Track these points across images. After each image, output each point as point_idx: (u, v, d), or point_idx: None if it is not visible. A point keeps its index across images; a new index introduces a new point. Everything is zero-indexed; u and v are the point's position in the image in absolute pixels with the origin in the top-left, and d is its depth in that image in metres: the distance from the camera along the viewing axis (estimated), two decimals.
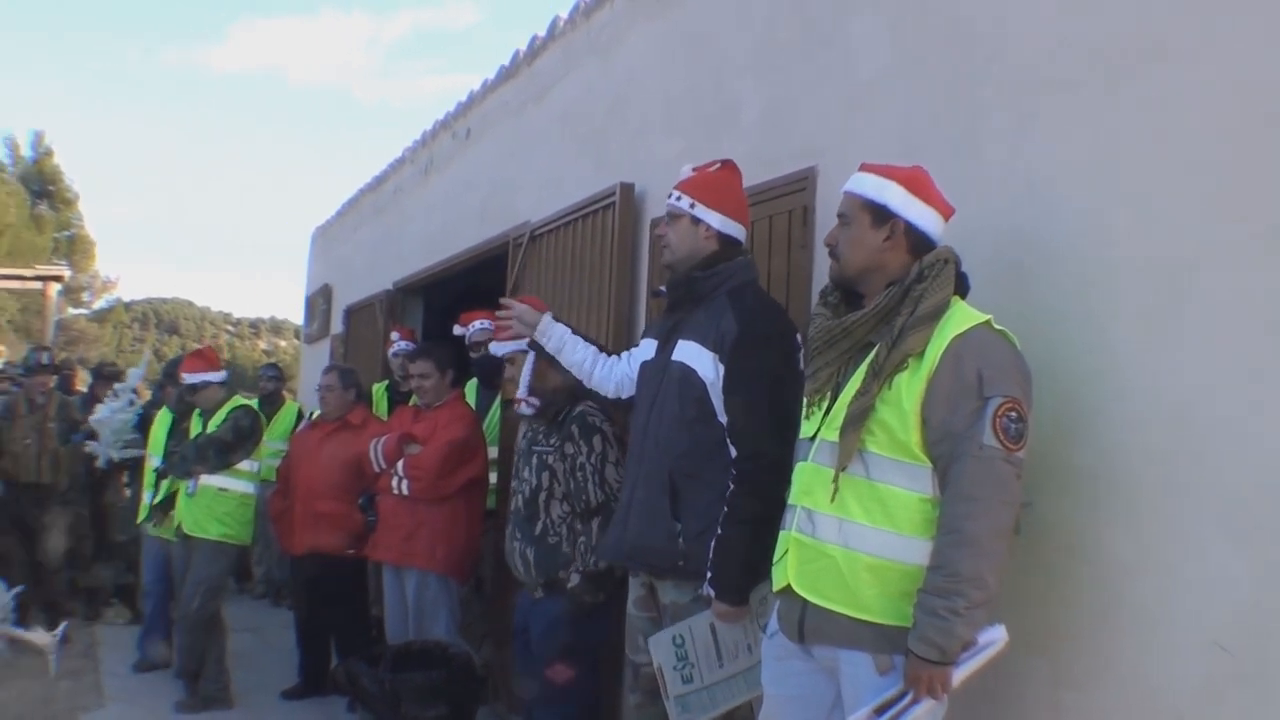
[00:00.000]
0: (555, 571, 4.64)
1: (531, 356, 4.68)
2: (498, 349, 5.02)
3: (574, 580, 4.55)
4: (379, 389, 8.30)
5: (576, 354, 4.42)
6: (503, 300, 4.61)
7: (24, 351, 10.68)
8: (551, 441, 4.69)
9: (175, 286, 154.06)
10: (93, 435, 8.42)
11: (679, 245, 3.92)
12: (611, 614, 4.67)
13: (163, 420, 7.56)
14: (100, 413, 8.14)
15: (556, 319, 4.47)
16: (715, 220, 3.87)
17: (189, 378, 7.08)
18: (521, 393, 4.75)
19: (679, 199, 3.90)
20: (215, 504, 6.86)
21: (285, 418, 9.81)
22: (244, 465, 6.99)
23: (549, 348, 4.43)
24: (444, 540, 6.13)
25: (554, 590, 4.65)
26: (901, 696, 2.87)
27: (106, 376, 10.38)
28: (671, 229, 3.94)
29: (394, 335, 8.29)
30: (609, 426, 4.57)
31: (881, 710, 2.90)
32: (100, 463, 8.31)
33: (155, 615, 7.79)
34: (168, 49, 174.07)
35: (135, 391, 8.19)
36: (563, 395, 4.67)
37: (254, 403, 7.30)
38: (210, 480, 6.84)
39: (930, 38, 3.68)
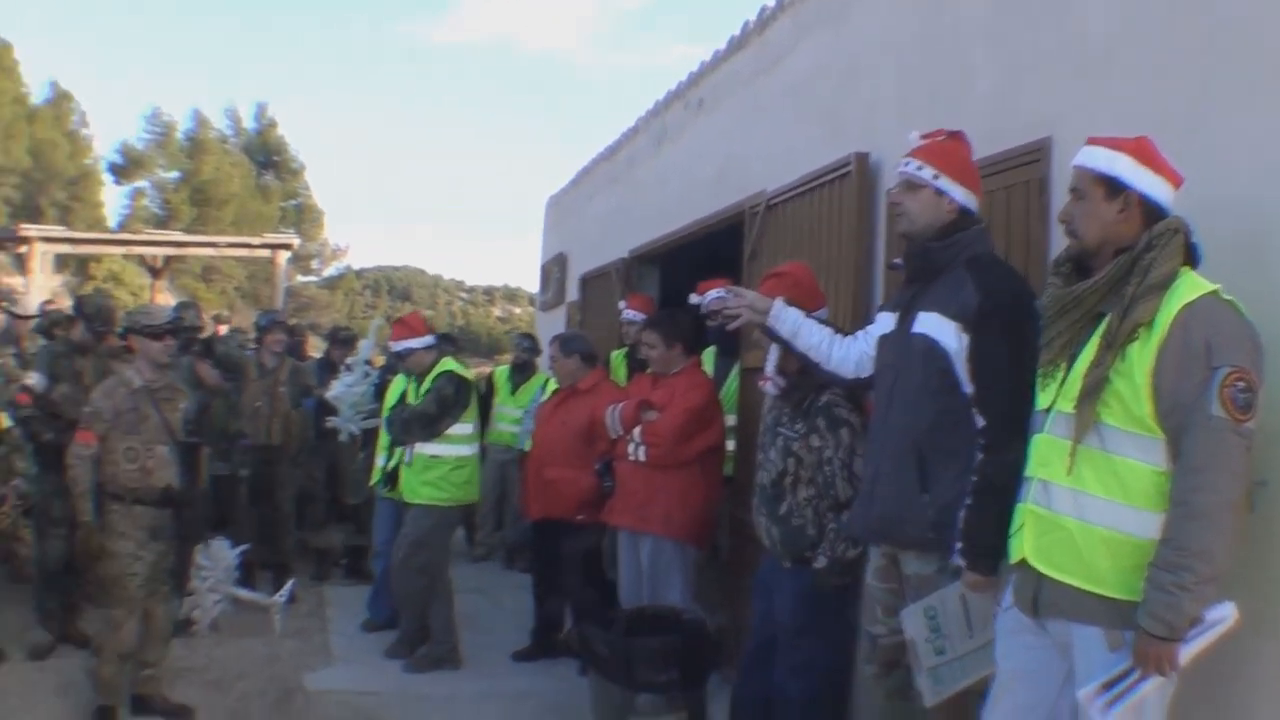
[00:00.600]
0: (801, 552, 4.70)
1: None
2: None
3: (821, 562, 4.60)
4: (618, 355, 8.41)
5: (812, 337, 4.41)
6: (730, 288, 4.65)
7: (253, 318, 10.90)
8: (797, 427, 4.72)
9: (406, 255, 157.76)
10: (328, 408, 8.57)
11: (919, 216, 3.94)
12: (858, 589, 4.71)
13: (396, 386, 7.74)
14: (336, 388, 8.32)
15: (790, 303, 4.47)
16: (959, 194, 3.89)
17: (395, 346, 7.40)
18: (768, 371, 4.83)
19: (920, 168, 3.91)
20: (427, 470, 7.12)
21: (532, 387, 10.05)
22: (457, 430, 7.23)
23: (783, 333, 4.41)
24: (680, 506, 6.23)
25: (802, 566, 4.72)
26: (1130, 673, 2.91)
27: (342, 341, 10.60)
28: (911, 198, 3.94)
29: (621, 304, 8.48)
30: (856, 418, 4.57)
31: (1109, 686, 2.94)
32: (343, 438, 8.49)
33: (385, 576, 7.95)
34: (395, 22, 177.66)
35: (368, 362, 8.31)
36: (809, 379, 4.65)
37: (458, 367, 7.42)
38: (422, 448, 7.13)
39: (1164, 4, 3.65)
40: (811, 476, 4.65)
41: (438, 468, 7.14)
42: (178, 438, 5.76)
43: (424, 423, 7.07)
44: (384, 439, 7.78)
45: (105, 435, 5.59)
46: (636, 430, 6.34)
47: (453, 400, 7.15)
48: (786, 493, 4.74)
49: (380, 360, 10.28)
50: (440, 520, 7.29)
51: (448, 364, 7.36)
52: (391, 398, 7.69)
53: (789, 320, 4.41)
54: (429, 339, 7.45)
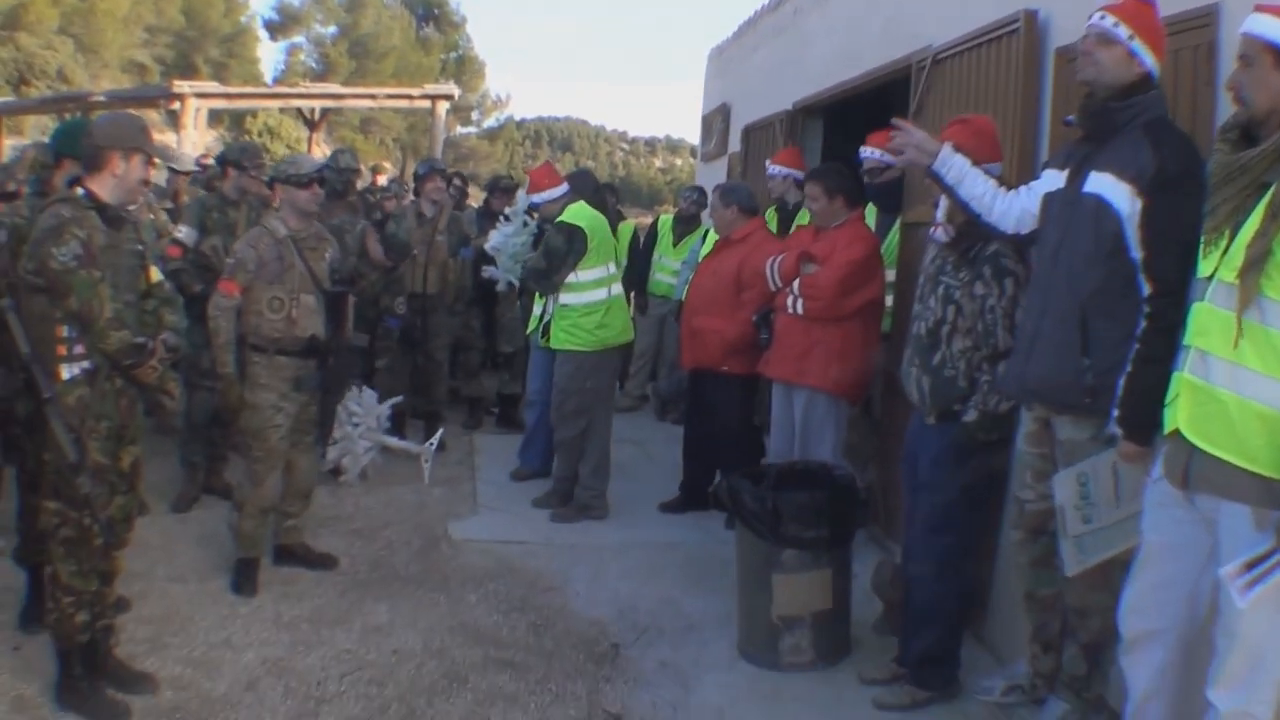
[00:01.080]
0: (949, 404, 4.69)
1: None
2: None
3: (970, 415, 4.59)
4: (770, 213, 8.37)
5: (977, 187, 4.38)
6: (898, 121, 4.59)
7: (413, 168, 10.80)
8: (961, 276, 4.67)
9: (568, 107, 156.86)
10: (486, 257, 8.50)
11: (1108, 69, 3.88)
12: (1002, 451, 4.74)
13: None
14: (494, 238, 8.22)
15: (960, 151, 4.43)
16: (1148, 59, 3.85)
17: (531, 199, 7.52)
18: (939, 218, 4.81)
19: (1116, 25, 3.85)
20: (561, 318, 7.28)
21: (693, 239, 10.13)
22: (585, 275, 7.28)
23: (948, 179, 4.38)
24: (838, 360, 6.27)
25: (946, 420, 4.72)
26: (1274, 553, 2.91)
27: (502, 190, 10.53)
28: (1105, 51, 3.88)
29: (767, 161, 8.44)
30: (1021, 269, 4.51)
31: (1253, 565, 2.94)
32: (500, 287, 8.42)
33: (537, 426, 8.14)
34: None
35: (528, 212, 8.18)
36: (977, 228, 4.58)
37: (578, 215, 7.33)
38: (558, 297, 7.30)
39: None
40: (970, 326, 4.62)
41: (569, 315, 7.28)
42: (324, 287, 5.82)
43: (537, 276, 7.24)
44: None
45: (249, 285, 5.65)
46: (796, 283, 6.36)
47: (564, 250, 7.19)
48: (942, 342, 4.72)
49: None
50: (581, 366, 7.35)
51: (570, 212, 7.37)
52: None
53: (955, 166, 4.39)
54: (557, 190, 7.48)
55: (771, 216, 8.24)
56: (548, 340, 7.47)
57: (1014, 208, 4.31)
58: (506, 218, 8.29)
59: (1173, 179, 3.65)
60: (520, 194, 8.51)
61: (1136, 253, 3.76)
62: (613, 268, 7.48)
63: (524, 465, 8.32)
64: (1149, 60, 3.84)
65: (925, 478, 4.82)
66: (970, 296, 4.62)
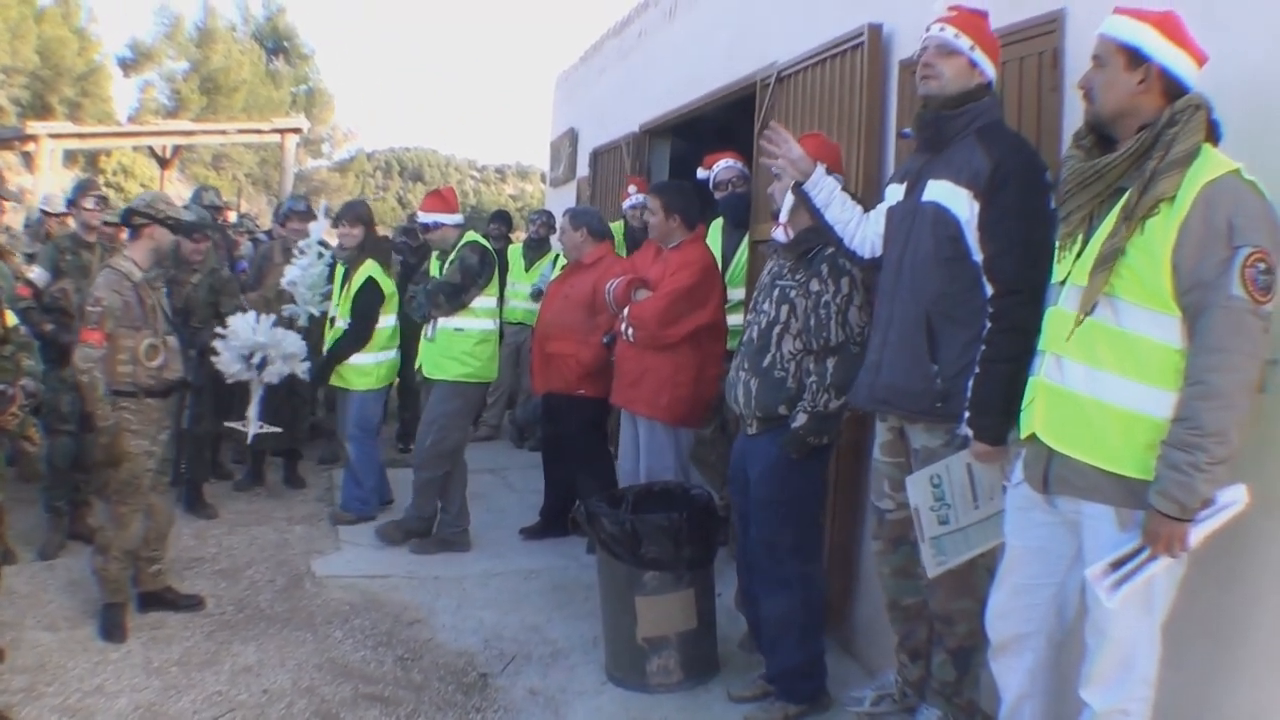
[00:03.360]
0: (776, 407, 4.66)
1: (793, 184, 4.64)
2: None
3: (799, 419, 4.56)
4: (617, 227, 8.34)
5: (845, 212, 4.43)
6: (775, 124, 4.58)
7: (263, 203, 10.55)
8: (797, 277, 4.66)
9: (418, 136, 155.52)
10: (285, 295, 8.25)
11: (951, 81, 3.89)
12: (827, 455, 4.76)
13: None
14: (291, 273, 8.02)
15: (829, 172, 4.47)
16: (988, 68, 3.90)
17: (423, 217, 7.26)
18: (782, 218, 4.78)
19: (957, 36, 3.86)
20: (452, 344, 7.04)
21: (544, 263, 10.05)
22: (479, 303, 7.12)
23: (816, 201, 4.42)
24: (669, 387, 6.25)
25: (770, 427, 4.69)
26: (1139, 551, 2.93)
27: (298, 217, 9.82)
28: (946, 63, 3.89)
29: (630, 189, 8.37)
30: (857, 271, 4.53)
31: (1118, 564, 2.96)
32: (302, 321, 8.11)
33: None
34: None
35: (322, 243, 8.09)
36: (814, 234, 4.62)
37: (479, 239, 7.31)
38: (447, 322, 7.02)
39: None
40: (802, 327, 4.61)
41: (462, 342, 7.06)
42: (176, 325, 5.68)
43: (449, 292, 6.96)
44: (333, 333, 7.71)
45: (113, 333, 5.44)
46: (626, 310, 6.34)
47: (477, 270, 7.05)
48: (772, 344, 4.69)
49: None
50: (468, 397, 7.28)
51: (471, 236, 7.29)
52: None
53: (825, 188, 4.43)
54: (459, 217, 7.38)
55: (618, 231, 8.24)
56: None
57: (869, 234, 4.33)
58: (300, 251, 8.11)
59: (1006, 178, 3.68)
60: (311, 226, 8.38)
61: (978, 255, 3.78)
62: (494, 301, 7.40)
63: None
64: (989, 70, 3.88)
65: (758, 494, 4.77)
66: (805, 294, 4.62)
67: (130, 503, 5.53)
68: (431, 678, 5.19)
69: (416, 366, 7.23)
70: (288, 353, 7.48)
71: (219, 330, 7.43)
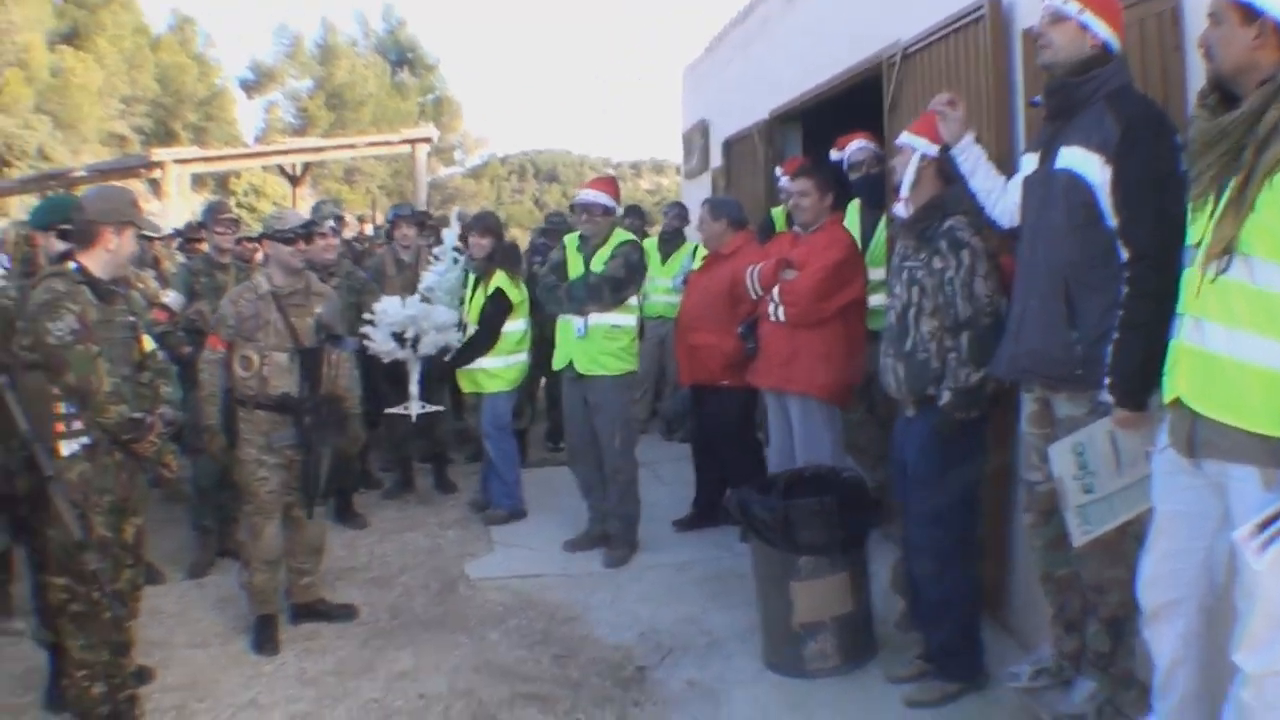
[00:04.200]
0: (924, 388, 4.71)
1: (916, 158, 4.76)
2: (902, 138, 4.94)
3: (944, 397, 4.61)
4: (779, 212, 8.36)
5: (989, 181, 4.55)
6: (949, 95, 4.68)
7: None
8: (920, 256, 4.72)
9: (550, 138, 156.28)
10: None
11: (1063, 48, 3.97)
12: (985, 432, 4.77)
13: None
14: (429, 278, 8.05)
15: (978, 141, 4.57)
16: (1101, 30, 3.92)
17: (589, 195, 7.17)
18: (903, 192, 4.83)
19: (1065, 2, 3.93)
20: (609, 341, 7.03)
21: (682, 255, 10.06)
22: (633, 300, 7.21)
23: (963, 167, 4.56)
24: (823, 364, 6.30)
25: (925, 408, 4.74)
26: None
27: (430, 226, 10.38)
28: (1056, 31, 3.98)
29: (777, 171, 8.40)
30: (977, 240, 4.56)
31: (1265, 525, 2.93)
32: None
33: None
34: None
35: (456, 249, 8.16)
36: (933, 210, 4.71)
37: (634, 237, 7.43)
38: (602, 319, 7.02)
39: None
40: (935, 306, 4.65)
41: (621, 338, 7.09)
42: (302, 343, 5.74)
43: (614, 286, 6.97)
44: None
45: (231, 341, 5.64)
46: (775, 290, 6.40)
47: (639, 267, 7.16)
48: (911, 326, 4.75)
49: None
50: (632, 389, 7.41)
51: (626, 234, 7.34)
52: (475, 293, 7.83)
53: (973, 155, 4.57)
54: (618, 209, 7.45)
55: (782, 216, 8.24)
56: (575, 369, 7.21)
57: (1009, 205, 4.41)
58: (436, 257, 8.23)
59: (1137, 142, 3.71)
60: (445, 233, 8.47)
61: (1112, 221, 3.81)
62: (638, 299, 7.45)
63: (485, 494, 8.32)
64: (1102, 32, 3.90)
65: (915, 472, 4.83)
66: (930, 273, 4.66)
67: (256, 510, 5.70)
68: (589, 674, 5.30)
69: (566, 363, 7.17)
70: (440, 323, 7.68)
71: (366, 315, 7.67)
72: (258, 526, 5.71)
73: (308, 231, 5.85)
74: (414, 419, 7.94)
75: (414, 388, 7.84)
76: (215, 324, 5.73)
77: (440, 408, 8.10)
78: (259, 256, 5.95)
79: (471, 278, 7.94)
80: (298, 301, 5.81)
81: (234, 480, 5.86)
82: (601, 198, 7.16)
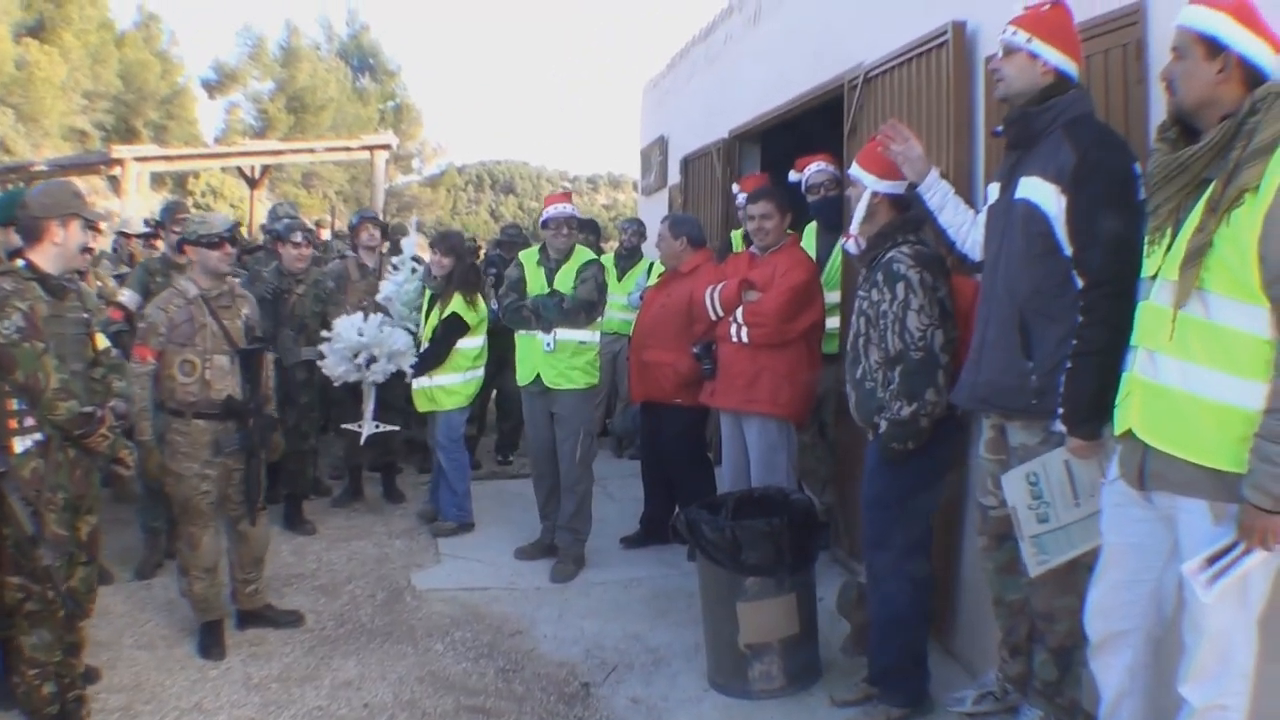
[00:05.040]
0: (871, 416, 4.70)
1: (868, 193, 4.73)
2: (852, 172, 4.91)
3: (882, 427, 4.60)
4: (738, 235, 8.23)
5: (958, 216, 4.55)
6: (895, 122, 4.69)
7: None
8: (866, 287, 4.73)
9: (509, 149, 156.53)
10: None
11: (1015, 79, 3.99)
12: (932, 460, 4.72)
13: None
14: (386, 289, 8.08)
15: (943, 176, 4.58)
16: (1052, 57, 3.92)
17: (562, 209, 7.13)
18: (853, 229, 4.81)
19: (1014, 34, 3.96)
20: (576, 356, 7.03)
21: (638, 272, 10.06)
22: (598, 318, 7.29)
23: (930, 203, 4.55)
24: (786, 384, 6.29)
25: (878, 434, 4.72)
26: (1234, 546, 2.93)
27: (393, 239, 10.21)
28: (1007, 63, 4.00)
29: (734, 188, 8.38)
30: (914, 273, 4.52)
31: (1214, 560, 2.96)
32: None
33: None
34: None
35: (416, 259, 8.21)
36: (882, 239, 4.70)
37: (595, 256, 7.41)
38: (571, 335, 7.01)
39: None
40: (877, 337, 4.65)
41: (586, 353, 7.11)
42: (238, 346, 5.67)
43: (588, 309, 7.02)
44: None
45: (162, 350, 5.51)
46: (738, 311, 6.37)
47: (604, 286, 7.21)
48: (861, 356, 4.76)
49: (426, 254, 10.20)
50: (592, 404, 7.39)
51: (587, 252, 7.32)
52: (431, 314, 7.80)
53: (940, 191, 4.56)
54: (579, 218, 7.47)
55: (740, 240, 8.16)
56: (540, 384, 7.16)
57: (977, 237, 4.41)
58: (394, 267, 8.22)
59: (1091, 171, 3.71)
60: (404, 242, 8.48)
61: (1069, 250, 3.81)
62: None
63: (434, 505, 8.26)
64: (1053, 59, 3.92)
65: (864, 492, 4.85)
66: (872, 304, 4.67)
67: (193, 521, 5.61)
68: (533, 688, 5.27)
69: (533, 378, 7.11)
70: (393, 350, 7.66)
71: (324, 334, 7.62)
72: (195, 537, 5.63)
73: (231, 236, 5.74)
74: (363, 440, 7.96)
75: (368, 408, 7.85)
76: (144, 334, 5.55)
77: (394, 428, 8.09)
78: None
79: (429, 293, 7.90)
80: (225, 304, 5.72)
81: (168, 494, 5.75)
82: (573, 210, 7.22)
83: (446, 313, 7.67)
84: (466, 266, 8.03)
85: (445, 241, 8.01)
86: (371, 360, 7.63)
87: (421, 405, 7.86)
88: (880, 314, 4.59)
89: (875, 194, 4.73)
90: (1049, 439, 3.92)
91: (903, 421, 4.51)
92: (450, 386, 7.75)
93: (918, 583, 4.78)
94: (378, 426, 7.87)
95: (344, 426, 8.01)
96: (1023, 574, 4.14)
